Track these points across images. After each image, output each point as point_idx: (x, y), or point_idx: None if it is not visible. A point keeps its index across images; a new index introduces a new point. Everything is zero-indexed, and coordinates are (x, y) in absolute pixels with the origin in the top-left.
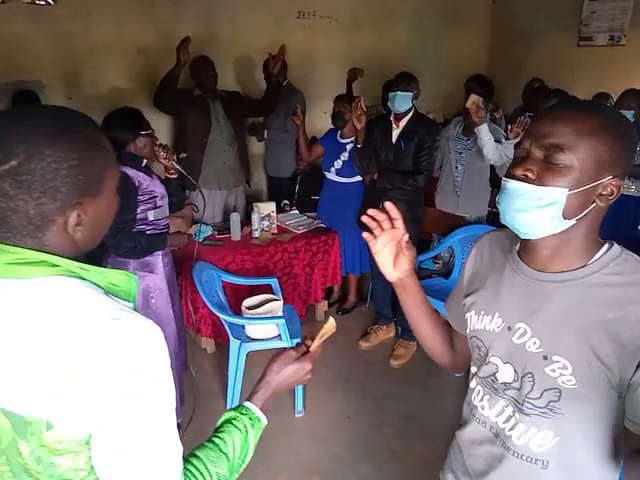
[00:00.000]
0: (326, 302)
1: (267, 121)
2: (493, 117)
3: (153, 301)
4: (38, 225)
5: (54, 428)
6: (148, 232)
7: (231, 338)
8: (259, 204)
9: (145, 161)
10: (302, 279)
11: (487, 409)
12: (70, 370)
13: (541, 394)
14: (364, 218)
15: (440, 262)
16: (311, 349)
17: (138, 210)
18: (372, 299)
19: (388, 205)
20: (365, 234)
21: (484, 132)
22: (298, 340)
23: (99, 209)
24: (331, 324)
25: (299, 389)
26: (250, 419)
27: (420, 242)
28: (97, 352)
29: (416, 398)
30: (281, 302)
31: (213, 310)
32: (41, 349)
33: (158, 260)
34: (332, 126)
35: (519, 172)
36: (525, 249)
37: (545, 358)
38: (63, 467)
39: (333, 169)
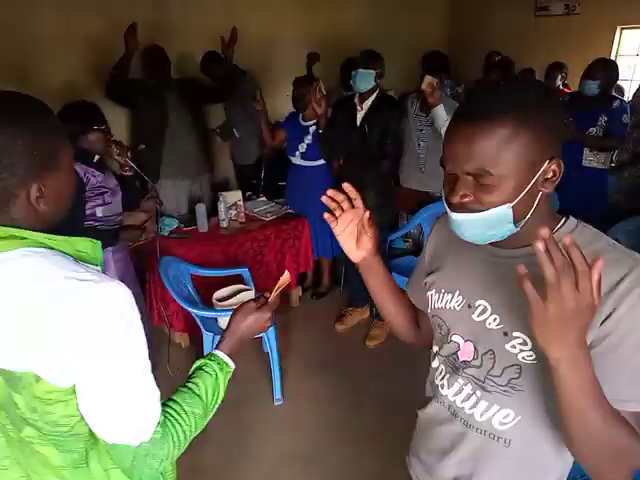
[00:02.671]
0: (300, 288)
1: (226, 110)
2: (456, 92)
3: None
4: (3, 199)
5: (41, 380)
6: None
7: (204, 331)
8: (225, 193)
9: (97, 156)
10: (274, 267)
11: (446, 388)
12: (50, 328)
13: (502, 371)
14: (323, 198)
15: (410, 240)
16: (269, 300)
17: (87, 206)
18: (346, 281)
19: (346, 185)
20: (326, 215)
21: (440, 113)
22: (272, 329)
23: (58, 182)
24: (286, 276)
25: (276, 376)
26: (218, 364)
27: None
28: (72, 310)
29: (395, 377)
30: (253, 292)
31: (182, 304)
32: (22, 312)
33: (107, 257)
34: (293, 109)
35: (456, 200)
36: None
37: (505, 334)
38: (57, 414)
39: (298, 153)
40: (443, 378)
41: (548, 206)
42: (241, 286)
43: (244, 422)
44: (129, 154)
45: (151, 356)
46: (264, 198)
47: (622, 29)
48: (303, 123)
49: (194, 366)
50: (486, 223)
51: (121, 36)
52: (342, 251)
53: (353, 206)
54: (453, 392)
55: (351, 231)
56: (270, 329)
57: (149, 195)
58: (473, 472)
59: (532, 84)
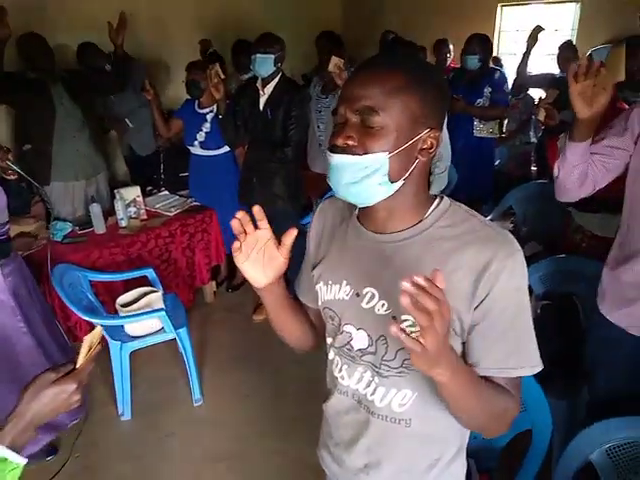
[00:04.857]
0: (214, 282)
1: (116, 102)
2: (350, 72)
3: None
4: None
5: None
6: None
7: (109, 340)
8: (121, 190)
9: None
10: (183, 263)
11: (347, 378)
12: None
13: (395, 354)
14: (234, 223)
15: None
16: (78, 366)
17: None
18: None
19: (256, 209)
20: (233, 247)
21: None
22: (184, 330)
23: None
24: (96, 332)
25: (193, 376)
26: None
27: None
28: None
29: (315, 361)
30: (160, 293)
31: (80, 315)
32: None
33: None
34: (188, 96)
35: (340, 141)
36: (363, 213)
37: (394, 319)
38: None
39: (196, 142)
40: (341, 369)
41: (424, 184)
42: (146, 288)
43: (163, 428)
44: (10, 156)
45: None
46: (166, 192)
47: (502, 6)
48: (199, 111)
49: None
50: (363, 169)
51: None
52: None
53: (258, 227)
54: (355, 381)
55: (255, 258)
56: (182, 330)
57: (36, 199)
58: (380, 458)
59: (426, 62)
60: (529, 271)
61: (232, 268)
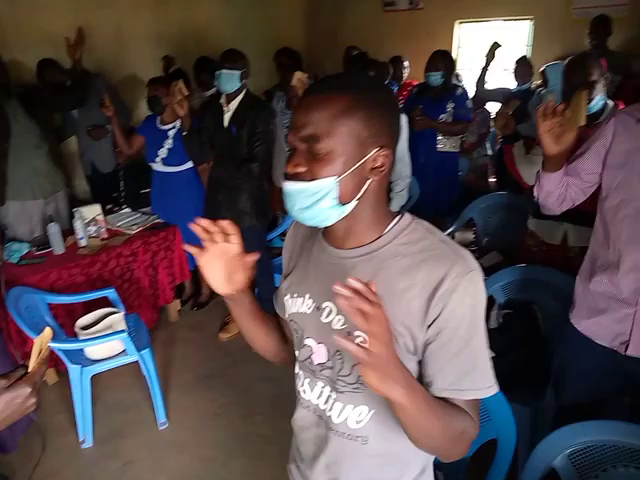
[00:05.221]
0: (178, 301)
1: (81, 118)
2: None
3: None
4: None
5: None
6: None
7: (69, 365)
8: (81, 208)
9: None
10: (146, 282)
11: (309, 392)
12: None
13: (351, 370)
14: (194, 227)
15: None
16: (29, 370)
17: None
18: None
19: (224, 223)
20: (193, 250)
21: None
22: (147, 351)
23: None
24: (46, 334)
25: (157, 399)
26: None
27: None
28: None
29: (283, 378)
30: (121, 314)
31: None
32: None
33: None
34: (150, 112)
35: (290, 169)
36: (326, 229)
37: (349, 334)
38: None
39: (159, 159)
40: (304, 383)
41: (381, 200)
42: (108, 309)
43: (127, 455)
44: None
45: None
46: (128, 209)
47: (460, 23)
48: (161, 127)
49: None
50: (313, 194)
51: None
52: None
53: (227, 240)
54: (315, 396)
55: (219, 265)
56: (145, 351)
57: None
58: (338, 476)
59: (377, 79)
60: (491, 281)
61: (197, 286)
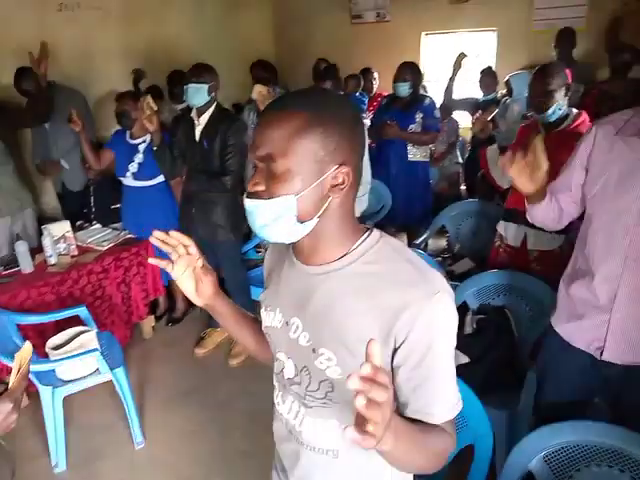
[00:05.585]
0: (152, 317)
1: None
2: None
3: None
4: None
5: None
6: None
7: (39, 387)
8: (49, 226)
9: None
10: (119, 299)
11: (282, 405)
12: None
13: (319, 385)
14: (152, 240)
15: (262, 250)
16: (10, 387)
17: None
18: None
19: (173, 234)
20: (161, 263)
21: None
22: (121, 369)
23: None
24: (24, 349)
25: (133, 418)
26: None
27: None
28: None
29: (261, 392)
30: (94, 332)
31: (6, 362)
32: None
33: None
34: (119, 127)
35: (250, 187)
36: (293, 244)
37: (314, 351)
38: None
39: (129, 173)
40: (278, 395)
41: (346, 217)
42: (79, 328)
43: (101, 477)
44: None
45: None
46: (98, 225)
47: (427, 35)
48: (131, 141)
49: None
50: (272, 212)
51: None
52: None
53: (188, 252)
54: (286, 410)
55: (189, 276)
56: (118, 369)
57: None
58: None
59: (337, 94)
60: (463, 287)
61: (172, 301)
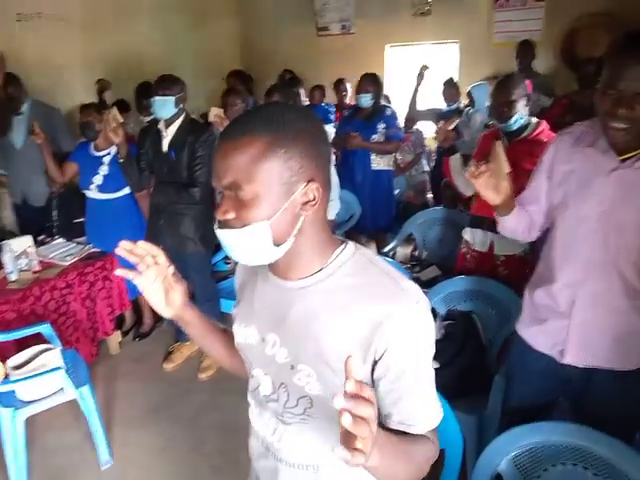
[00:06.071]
0: (119, 332)
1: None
2: None
3: None
4: None
5: None
6: None
7: None
8: (10, 241)
9: None
10: (84, 315)
11: (258, 422)
12: None
13: (297, 402)
14: (119, 251)
15: (231, 261)
16: None
17: None
18: None
19: (142, 244)
20: (129, 274)
21: None
22: (86, 387)
23: None
24: None
25: (99, 437)
26: None
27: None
28: None
29: (232, 405)
30: (57, 350)
31: None
32: None
33: None
34: (84, 138)
35: (219, 216)
36: None
37: (292, 368)
38: None
39: (93, 186)
40: (254, 412)
41: (321, 231)
42: (42, 346)
43: None
44: None
45: None
46: (61, 240)
47: (391, 47)
48: (96, 153)
49: None
50: (246, 240)
51: None
52: None
53: (157, 262)
54: (263, 427)
55: (159, 287)
56: (84, 387)
57: None
58: None
59: (295, 108)
60: (431, 294)
61: (139, 316)
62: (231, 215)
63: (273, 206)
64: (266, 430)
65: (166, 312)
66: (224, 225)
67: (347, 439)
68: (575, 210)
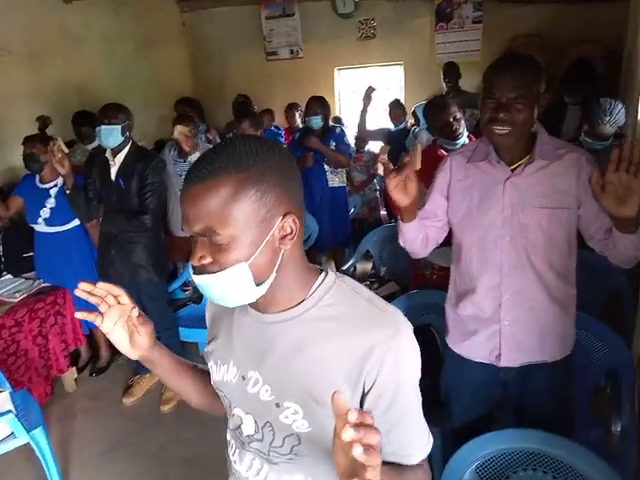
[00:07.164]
0: (74, 369)
1: None
2: (207, 139)
3: None
4: None
5: None
6: None
7: None
8: None
9: None
10: (36, 353)
11: (239, 463)
12: None
13: (283, 441)
14: (78, 292)
15: (190, 287)
16: None
17: None
18: None
19: (105, 285)
20: (90, 316)
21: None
22: (39, 430)
23: None
24: None
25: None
26: None
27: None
28: None
29: (195, 437)
30: (6, 393)
31: None
32: None
33: None
34: (28, 171)
35: (195, 262)
36: None
37: (278, 406)
38: None
39: (41, 219)
40: (235, 453)
41: (299, 263)
42: None
43: None
44: None
45: None
46: (9, 276)
47: (339, 70)
48: (42, 186)
49: None
50: (226, 284)
51: None
52: None
53: (119, 301)
54: (245, 468)
55: (122, 328)
56: (36, 431)
57: None
58: None
59: (261, 141)
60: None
61: (95, 350)
62: (207, 260)
63: (251, 246)
64: (249, 471)
65: (132, 354)
66: (200, 271)
67: (357, 472)
68: (481, 219)
